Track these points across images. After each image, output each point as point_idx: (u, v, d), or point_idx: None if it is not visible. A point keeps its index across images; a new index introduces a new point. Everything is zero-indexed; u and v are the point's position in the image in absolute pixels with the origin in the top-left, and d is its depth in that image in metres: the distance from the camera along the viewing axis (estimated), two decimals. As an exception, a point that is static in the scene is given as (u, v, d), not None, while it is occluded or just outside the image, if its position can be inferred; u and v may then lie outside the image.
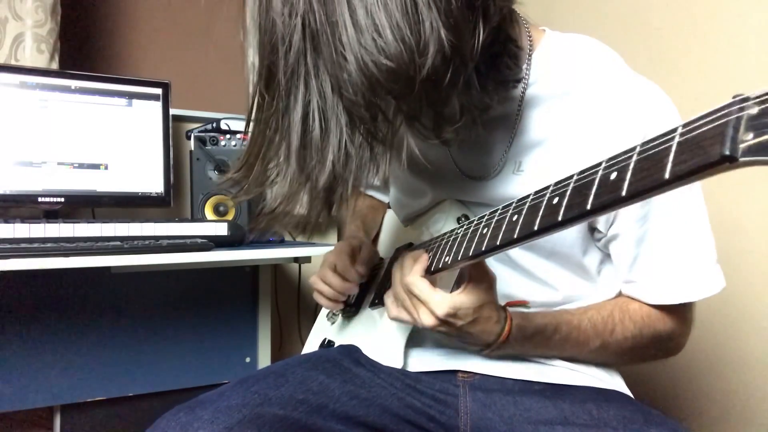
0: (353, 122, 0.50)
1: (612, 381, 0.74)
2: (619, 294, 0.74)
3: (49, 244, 1.05)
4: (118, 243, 1.11)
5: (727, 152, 0.31)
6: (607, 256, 0.73)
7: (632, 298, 0.71)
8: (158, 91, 1.44)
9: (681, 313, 0.71)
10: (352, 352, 0.80)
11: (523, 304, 0.69)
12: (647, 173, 0.36)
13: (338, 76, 0.48)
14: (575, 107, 0.67)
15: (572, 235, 0.70)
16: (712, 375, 1.18)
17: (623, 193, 0.38)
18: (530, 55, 0.68)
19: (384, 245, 0.96)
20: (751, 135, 0.30)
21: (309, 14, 0.48)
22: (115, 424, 1.41)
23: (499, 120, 0.69)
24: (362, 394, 0.71)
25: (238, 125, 1.53)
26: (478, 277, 0.61)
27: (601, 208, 0.40)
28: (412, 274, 0.63)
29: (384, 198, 1.04)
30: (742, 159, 0.30)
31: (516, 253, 0.72)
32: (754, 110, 0.30)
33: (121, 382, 1.39)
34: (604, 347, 0.70)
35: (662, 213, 0.66)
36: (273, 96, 0.52)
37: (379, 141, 0.52)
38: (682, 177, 0.34)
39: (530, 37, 0.69)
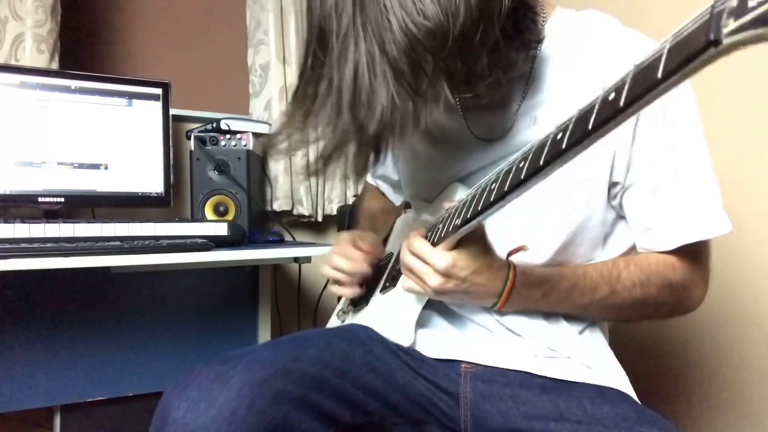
0: (397, 77, 0.57)
1: (615, 379, 0.74)
2: (629, 251, 0.77)
3: (49, 244, 1.05)
4: (118, 243, 1.11)
5: (712, 36, 0.33)
6: (617, 221, 0.76)
7: (645, 250, 0.74)
8: (158, 91, 1.44)
9: (693, 259, 0.73)
10: (367, 329, 0.80)
11: (521, 249, 0.70)
12: (642, 80, 0.39)
13: (383, 36, 0.56)
14: (586, 62, 0.72)
15: (590, 200, 0.73)
16: (711, 374, 1.18)
17: (621, 104, 0.40)
18: (543, 24, 0.73)
19: (394, 244, 0.97)
20: (731, 20, 0.32)
21: None
22: (115, 424, 1.41)
23: (513, 81, 0.74)
24: (380, 368, 0.72)
25: (238, 125, 1.53)
26: (470, 233, 0.65)
27: (603, 123, 0.42)
28: (413, 236, 0.69)
29: (396, 199, 1.06)
30: (726, 41, 0.32)
31: (527, 221, 0.74)
32: (734, 2, 0.32)
33: (121, 382, 1.39)
34: (613, 294, 0.71)
35: (673, 158, 0.70)
36: (326, 56, 0.60)
37: (420, 95, 0.58)
38: (673, 72, 0.36)
39: (543, 10, 0.75)
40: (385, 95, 0.57)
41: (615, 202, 0.75)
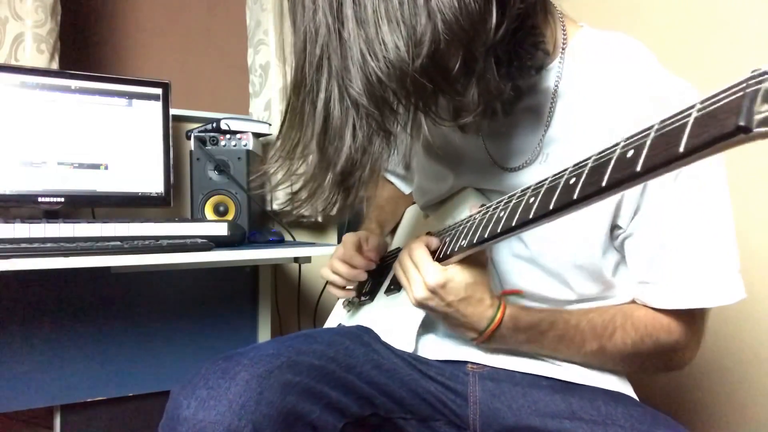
0: (360, 114, 0.52)
1: (620, 385, 0.74)
2: (631, 301, 0.72)
3: (49, 244, 1.05)
4: (118, 243, 1.11)
5: (742, 123, 0.31)
6: (622, 259, 0.71)
7: (642, 304, 0.69)
8: (158, 91, 1.44)
9: (690, 322, 0.68)
10: (370, 331, 0.80)
11: (517, 292, 0.69)
12: (663, 148, 0.37)
13: (345, 70, 0.51)
14: (606, 106, 0.66)
15: (591, 239, 0.68)
16: (711, 374, 1.18)
17: (638, 168, 0.38)
18: (563, 49, 0.68)
19: (402, 237, 0.97)
20: (766, 106, 0.30)
21: (328, 11, 0.52)
22: (115, 424, 1.41)
23: (533, 111, 0.70)
24: (384, 365, 0.72)
25: (238, 125, 1.53)
26: (473, 255, 0.63)
27: (617, 184, 0.41)
28: (417, 242, 0.67)
29: (405, 188, 1.05)
30: (756, 130, 0.30)
31: (535, 248, 0.71)
32: None
33: (121, 382, 1.39)
34: (602, 350, 0.68)
35: (686, 214, 0.64)
36: (301, 88, 0.56)
37: (389, 132, 0.54)
38: (696, 150, 0.34)
39: (564, 30, 0.69)
40: (351, 133, 0.52)
41: (616, 243, 0.70)
